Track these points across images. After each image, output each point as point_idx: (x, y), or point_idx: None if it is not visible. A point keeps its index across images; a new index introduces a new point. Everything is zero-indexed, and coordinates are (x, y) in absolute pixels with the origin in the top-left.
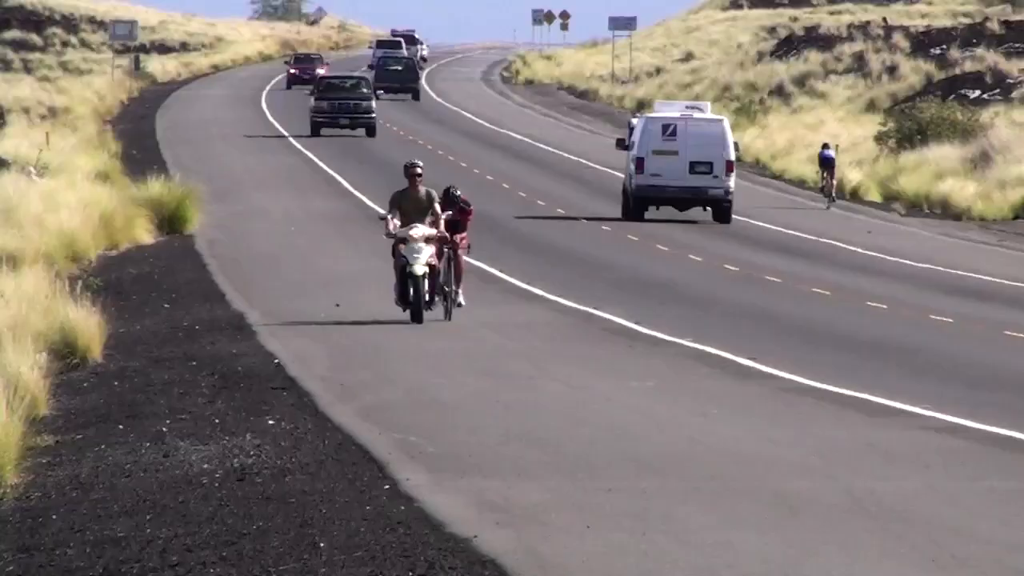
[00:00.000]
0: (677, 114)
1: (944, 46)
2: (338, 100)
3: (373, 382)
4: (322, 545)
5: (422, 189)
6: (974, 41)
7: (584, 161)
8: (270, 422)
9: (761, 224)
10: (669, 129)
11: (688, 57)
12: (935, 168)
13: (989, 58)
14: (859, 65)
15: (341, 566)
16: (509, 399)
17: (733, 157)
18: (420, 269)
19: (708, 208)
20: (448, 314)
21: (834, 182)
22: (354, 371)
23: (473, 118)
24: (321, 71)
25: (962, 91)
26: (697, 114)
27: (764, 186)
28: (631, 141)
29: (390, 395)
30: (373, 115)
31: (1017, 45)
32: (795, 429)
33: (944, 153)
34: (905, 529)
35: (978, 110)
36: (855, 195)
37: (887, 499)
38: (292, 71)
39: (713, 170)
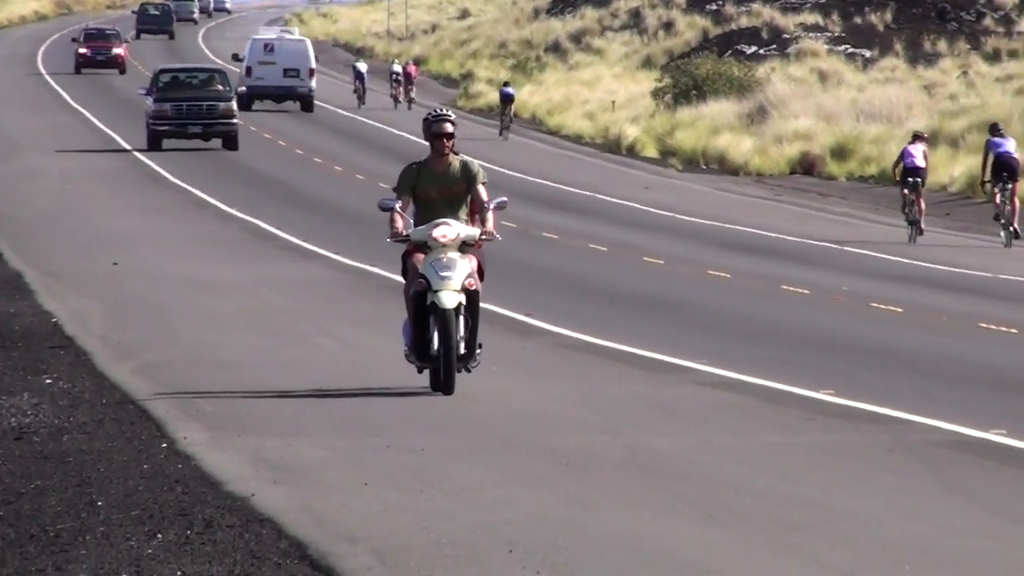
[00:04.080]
0: (274, 36)
1: (720, 2)
2: (186, 101)
3: (152, 341)
4: (100, 504)
5: (455, 161)
6: None
7: (359, 117)
8: (47, 381)
9: (538, 180)
10: (268, 47)
11: (464, 14)
12: (712, 123)
13: (765, 13)
14: (635, 21)
15: (119, 525)
16: (287, 357)
17: (314, 65)
18: (451, 299)
19: (298, 101)
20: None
21: (511, 116)
22: (133, 330)
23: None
24: (119, 50)
25: (738, 47)
26: (288, 36)
27: (540, 142)
28: (243, 55)
29: (169, 354)
30: (235, 120)
31: (793, 1)
32: (573, 385)
33: (721, 108)
34: (683, 485)
35: (754, 65)
36: (632, 151)
37: (665, 455)
38: (82, 51)
39: (300, 75)
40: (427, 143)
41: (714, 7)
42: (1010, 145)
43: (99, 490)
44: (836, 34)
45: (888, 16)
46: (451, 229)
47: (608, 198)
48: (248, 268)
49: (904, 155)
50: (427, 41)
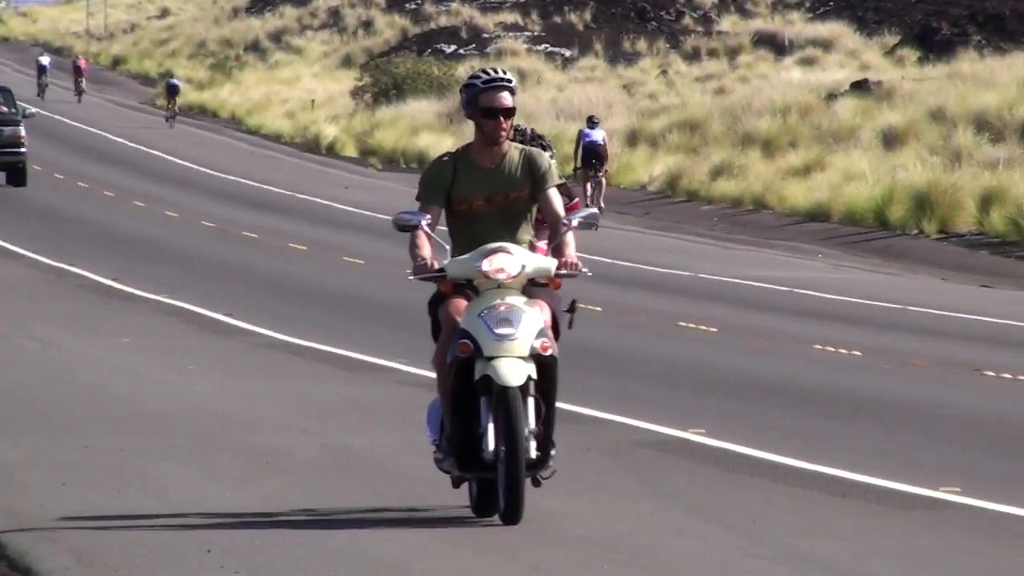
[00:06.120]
0: None
1: (419, 1)
2: None
3: None
4: None
5: (514, 151)
6: None
7: (58, 117)
8: None
9: (239, 180)
10: None
11: (163, 13)
12: (411, 123)
13: (464, 13)
14: (335, 20)
15: None
16: None
17: None
18: (515, 371)
19: None
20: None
21: (176, 107)
22: None
23: None
24: None
25: (438, 46)
26: None
27: (239, 141)
28: None
29: None
30: (22, 149)
31: (492, 0)
32: (272, 384)
33: (420, 108)
34: (383, 484)
35: (454, 64)
36: (331, 150)
37: (365, 454)
38: None
39: None
40: (471, 122)
41: (413, 6)
42: (597, 135)
43: None
44: (536, 33)
45: (587, 15)
46: (511, 259)
47: (308, 197)
48: None
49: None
50: (126, 40)
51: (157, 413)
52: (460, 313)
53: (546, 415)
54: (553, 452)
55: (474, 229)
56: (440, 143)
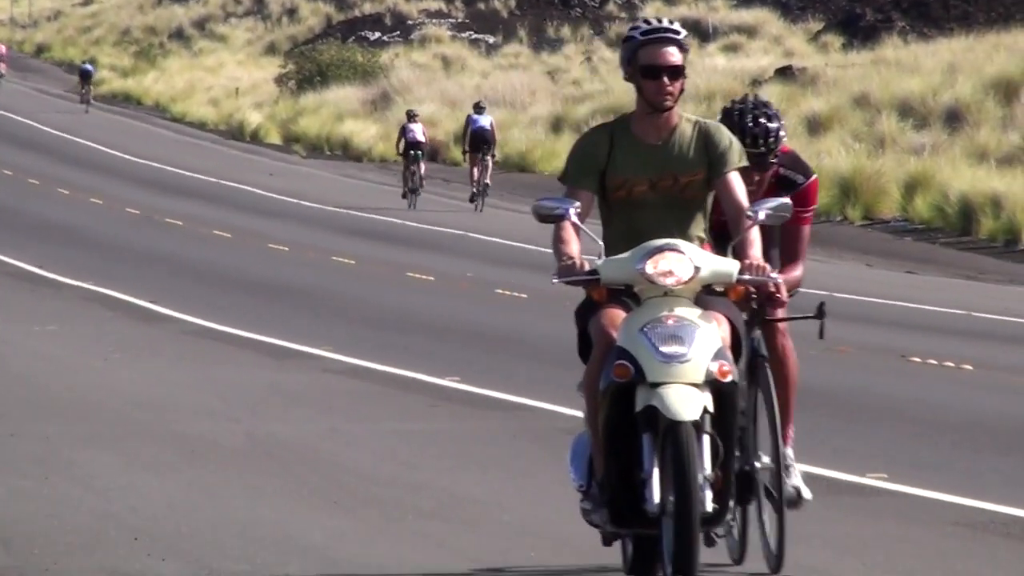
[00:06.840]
0: None
1: None
2: None
3: None
4: None
5: (685, 124)
6: None
7: None
8: None
9: (164, 167)
10: None
11: (88, 1)
12: (336, 110)
13: (389, 0)
14: (259, 8)
15: None
16: None
17: None
18: (687, 401)
19: None
20: (741, 552)
21: (91, 91)
22: None
23: None
24: None
25: (362, 33)
26: None
27: (164, 128)
28: None
29: None
30: None
31: None
32: (197, 372)
33: (345, 95)
34: (307, 471)
35: (378, 51)
36: (256, 137)
37: (290, 442)
38: None
39: None
40: (632, 86)
41: None
42: (484, 120)
43: None
44: (460, 20)
45: (512, 2)
46: (682, 260)
47: (232, 184)
48: None
49: (404, 132)
50: (50, 28)
51: (83, 400)
52: (617, 327)
53: (725, 457)
54: (732, 503)
55: (634, 221)
56: (365, 130)
